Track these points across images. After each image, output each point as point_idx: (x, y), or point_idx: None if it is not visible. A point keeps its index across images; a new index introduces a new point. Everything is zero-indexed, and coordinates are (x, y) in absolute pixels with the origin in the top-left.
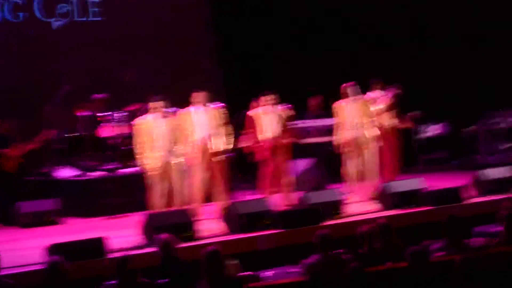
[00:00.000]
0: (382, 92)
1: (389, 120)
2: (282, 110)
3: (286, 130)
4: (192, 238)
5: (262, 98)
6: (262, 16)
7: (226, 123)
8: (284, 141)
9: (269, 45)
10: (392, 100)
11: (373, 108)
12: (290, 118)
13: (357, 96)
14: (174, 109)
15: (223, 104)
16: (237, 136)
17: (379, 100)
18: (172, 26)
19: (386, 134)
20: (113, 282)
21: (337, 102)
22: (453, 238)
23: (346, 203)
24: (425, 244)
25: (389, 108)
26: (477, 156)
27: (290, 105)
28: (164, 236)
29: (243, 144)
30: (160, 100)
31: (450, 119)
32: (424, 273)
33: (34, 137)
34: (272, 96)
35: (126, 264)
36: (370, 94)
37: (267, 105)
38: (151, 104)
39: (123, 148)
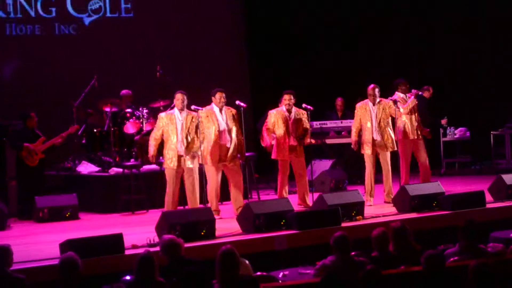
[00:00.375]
0: (403, 95)
1: (410, 123)
2: (301, 110)
3: (306, 131)
4: (207, 237)
5: (284, 98)
6: (289, 15)
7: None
8: (304, 141)
9: (294, 45)
10: (414, 103)
11: (397, 110)
12: (310, 119)
13: (379, 98)
14: (197, 107)
15: (245, 105)
16: (257, 136)
17: (400, 102)
18: (201, 24)
19: (405, 138)
20: (130, 277)
21: (360, 103)
22: (469, 243)
23: (365, 205)
24: (440, 249)
25: (411, 111)
26: (502, 161)
27: (311, 106)
28: (166, 237)
29: (262, 143)
30: (183, 98)
31: (476, 123)
32: (439, 278)
33: (60, 132)
34: (292, 96)
35: (148, 262)
36: (394, 96)
37: (287, 105)
38: (174, 101)
39: (145, 144)
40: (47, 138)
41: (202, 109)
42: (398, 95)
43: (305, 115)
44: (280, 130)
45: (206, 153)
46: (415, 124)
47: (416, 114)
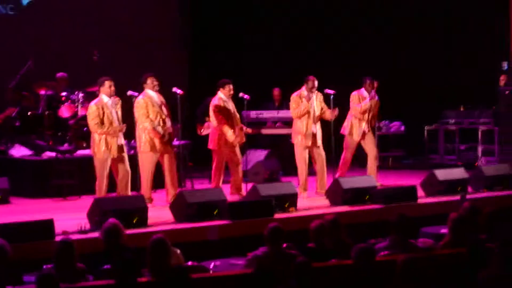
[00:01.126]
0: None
1: (357, 124)
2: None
3: (240, 120)
4: (139, 225)
5: (223, 87)
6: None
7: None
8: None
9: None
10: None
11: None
12: (247, 108)
13: (315, 90)
14: (134, 93)
15: (182, 92)
16: (193, 124)
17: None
18: (142, 8)
19: (350, 134)
20: (49, 266)
21: (295, 94)
22: (400, 238)
23: (298, 197)
24: (371, 243)
25: (364, 112)
26: (435, 156)
27: (247, 95)
28: (110, 221)
29: (206, 131)
30: (112, 82)
31: (410, 117)
32: (368, 272)
33: None
34: (230, 86)
35: (65, 248)
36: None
37: (224, 94)
38: (108, 86)
39: (79, 129)
40: None
41: (138, 95)
42: (362, 92)
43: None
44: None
45: (143, 140)
46: (363, 125)
47: (368, 114)
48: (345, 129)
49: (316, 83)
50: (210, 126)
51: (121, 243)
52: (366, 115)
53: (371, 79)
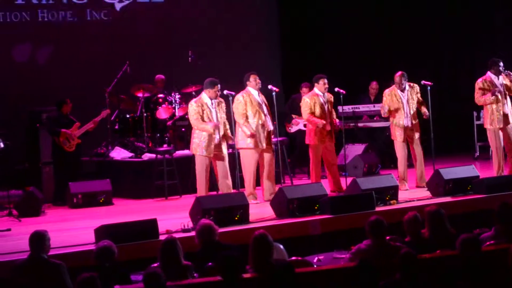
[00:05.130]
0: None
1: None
2: (330, 94)
3: (335, 115)
4: (241, 222)
5: (318, 82)
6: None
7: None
8: (335, 126)
9: (324, 28)
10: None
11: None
12: (342, 102)
13: (407, 83)
14: (230, 92)
15: (278, 89)
16: (288, 120)
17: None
18: (234, 10)
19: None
20: (155, 265)
21: (387, 90)
22: (505, 227)
23: (399, 190)
24: (476, 233)
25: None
26: None
27: (343, 90)
28: (202, 221)
29: (294, 128)
30: (216, 83)
31: None
32: (474, 262)
33: (93, 118)
34: (324, 80)
35: (170, 246)
36: (487, 76)
37: (319, 89)
38: (207, 87)
39: (177, 130)
40: (81, 124)
41: (235, 94)
42: (490, 75)
43: (332, 99)
44: (317, 115)
45: (243, 137)
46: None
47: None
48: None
49: (402, 79)
50: (298, 122)
51: (217, 240)
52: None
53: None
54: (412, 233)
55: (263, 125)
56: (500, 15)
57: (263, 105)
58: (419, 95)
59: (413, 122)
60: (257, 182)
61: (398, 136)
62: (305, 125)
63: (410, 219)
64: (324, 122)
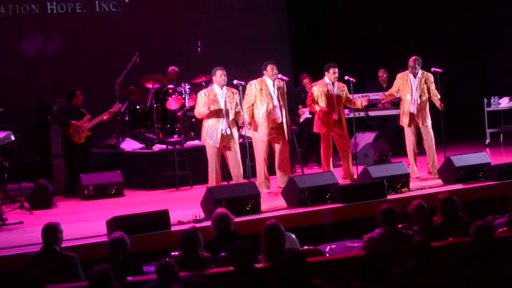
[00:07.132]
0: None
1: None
2: (342, 83)
3: (345, 103)
4: (252, 211)
5: (328, 71)
6: None
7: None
8: (342, 115)
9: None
10: None
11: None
12: (352, 91)
13: (420, 70)
14: (240, 82)
15: (287, 78)
16: (295, 112)
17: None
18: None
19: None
20: (177, 253)
21: (400, 73)
22: None
23: (410, 177)
24: (488, 219)
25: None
26: None
27: (353, 79)
28: (218, 210)
29: (301, 118)
30: (219, 69)
31: None
32: (488, 249)
33: (103, 109)
34: (335, 69)
35: (193, 237)
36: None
37: (329, 78)
38: (213, 74)
39: (188, 120)
40: (91, 116)
41: (244, 83)
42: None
43: (345, 89)
44: (323, 104)
45: (254, 127)
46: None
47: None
48: None
49: (416, 63)
50: (304, 111)
51: (232, 230)
52: None
53: None
54: (420, 221)
55: (269, 115)
56: None
57: (276, 96)
58: (433, 85)
59: (421, 109)
60: (273, 171)
61: (405, 123)
62: (310, 113)
63: (415, 208)
64: (326, 109)
